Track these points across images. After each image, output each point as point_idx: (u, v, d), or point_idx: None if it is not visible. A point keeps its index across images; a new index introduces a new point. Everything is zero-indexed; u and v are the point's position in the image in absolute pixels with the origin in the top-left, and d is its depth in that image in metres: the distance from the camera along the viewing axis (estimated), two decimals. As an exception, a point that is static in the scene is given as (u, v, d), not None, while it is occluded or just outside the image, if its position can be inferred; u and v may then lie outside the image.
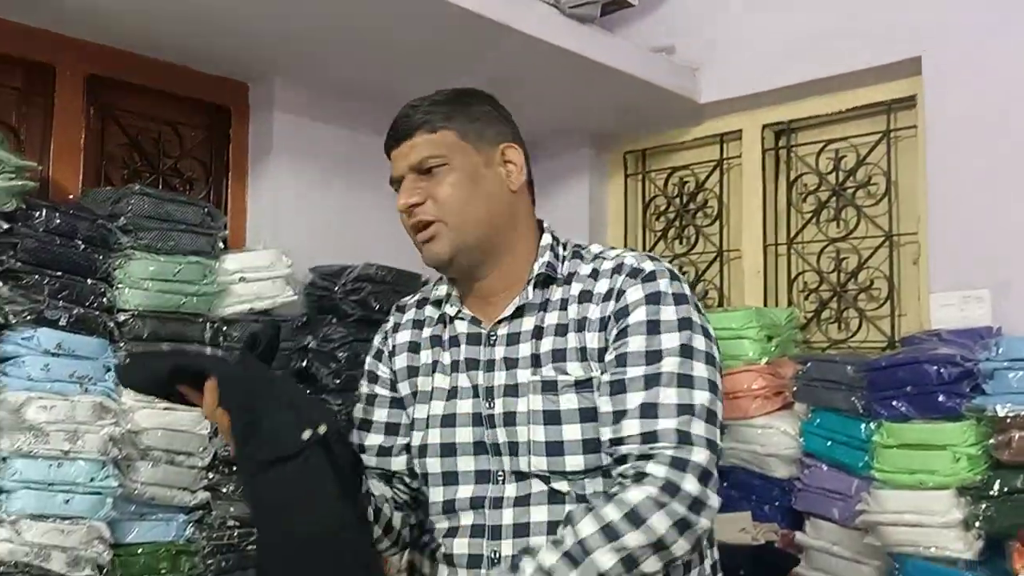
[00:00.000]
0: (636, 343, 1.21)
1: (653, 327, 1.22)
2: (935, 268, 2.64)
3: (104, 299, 2.12)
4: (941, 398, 2.17)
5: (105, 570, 2.03)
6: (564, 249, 1.36)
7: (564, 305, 1.30)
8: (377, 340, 1.47)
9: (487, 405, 1.29)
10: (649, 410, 1.18)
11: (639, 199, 3.59)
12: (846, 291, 3.03)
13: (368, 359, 1.47)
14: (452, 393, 1.33)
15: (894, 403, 2.26)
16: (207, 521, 2.24)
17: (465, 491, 1.29)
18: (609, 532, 1.12)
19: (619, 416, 1.19)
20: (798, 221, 3.17)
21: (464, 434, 1.30)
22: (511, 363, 1.30)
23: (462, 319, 1.36)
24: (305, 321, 2.51)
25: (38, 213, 2.03)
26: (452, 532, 1.29)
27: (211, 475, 2.25)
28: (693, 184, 3.44)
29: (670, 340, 1.21)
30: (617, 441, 1.19)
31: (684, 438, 1.16)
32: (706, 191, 3.40)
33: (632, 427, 1.18)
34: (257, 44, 2.56)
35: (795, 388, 2.60)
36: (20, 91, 2.42)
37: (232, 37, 2.51)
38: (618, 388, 1.20)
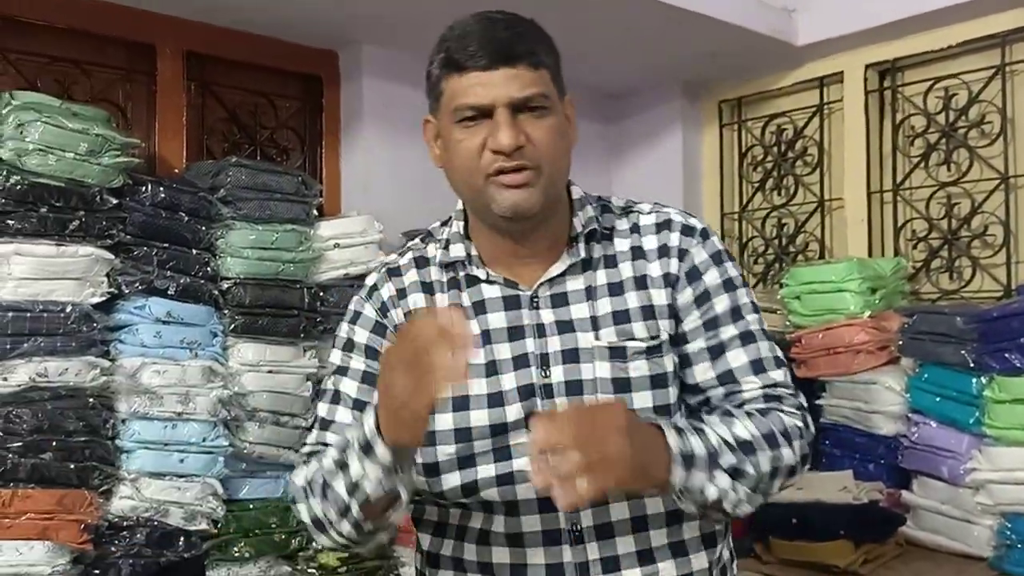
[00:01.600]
0: (721, 304, 1.20)
1: (729, 285, 1.21)
2: (1055, 211, 2.47)
3: (208, 268, 2.22)
4: (1058, 350, 2.05)
5: (220, 524, 2.16)
6: (592, 203, 1.26)
7: (613, 262, 1.22)
8: (371, 311, 1.24)
9: (542, 374, 1.17)
10: (758, 365, 1.19)
11: (735, 149, 3.48)
12: (958, 238, 2.88)
13: (355, 331, 1.24)
14: (491, 368, 1.17)
15: (1007, 355, 2.14)
16: (313, 478, 2.33)
17: (520, 464, 1.14)
18: (770, 439, 1.13)
19: (729, 376, 1.18)
20: (905, 166, 3.01)
21: (514, 411, 1.16)
22: (564, 326, 1.19)
23: (493, 282, 1.21)
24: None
25: (144, 188, 2.14)
26: (512, 509, 1.16)
27: (314, 434, 2.34)
28: (792, 131, 3.31)
29: (743, 296, 1.22)
30: (735, 396, 1.18)
31: (795, 388, 1.20)
32: (805, 138, 3.27)
33: (751, 383, 1.18)
34: (344, 11, 2.60)
35: (901, 342, 2.49)
36: (124, 70, 2.53)
37: (320, 6, 2.55)
38: (718, 351, 1.19)
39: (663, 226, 1.23)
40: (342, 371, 1.23)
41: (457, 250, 1.23)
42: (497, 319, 1.20)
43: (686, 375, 1.20)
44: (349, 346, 1.24)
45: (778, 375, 1.19)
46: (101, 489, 1.99)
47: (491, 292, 1.21)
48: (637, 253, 1.23)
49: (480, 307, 1.21)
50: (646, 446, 1.03)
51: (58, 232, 1.98)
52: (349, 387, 1.22)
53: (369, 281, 1.27)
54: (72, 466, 1.95)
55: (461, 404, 1.17)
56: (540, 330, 1.19)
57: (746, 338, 1.19)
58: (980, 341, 2.22)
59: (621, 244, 1.23)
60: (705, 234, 1.23)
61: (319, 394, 1.27)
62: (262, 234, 2.29)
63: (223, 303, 2.23)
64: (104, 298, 2.06)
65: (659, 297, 1.20)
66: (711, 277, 1.21)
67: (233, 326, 2.22)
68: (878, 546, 2.24)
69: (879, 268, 2.71)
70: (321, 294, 2.38)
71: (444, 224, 1.28)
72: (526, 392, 1.17)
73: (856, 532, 2.19)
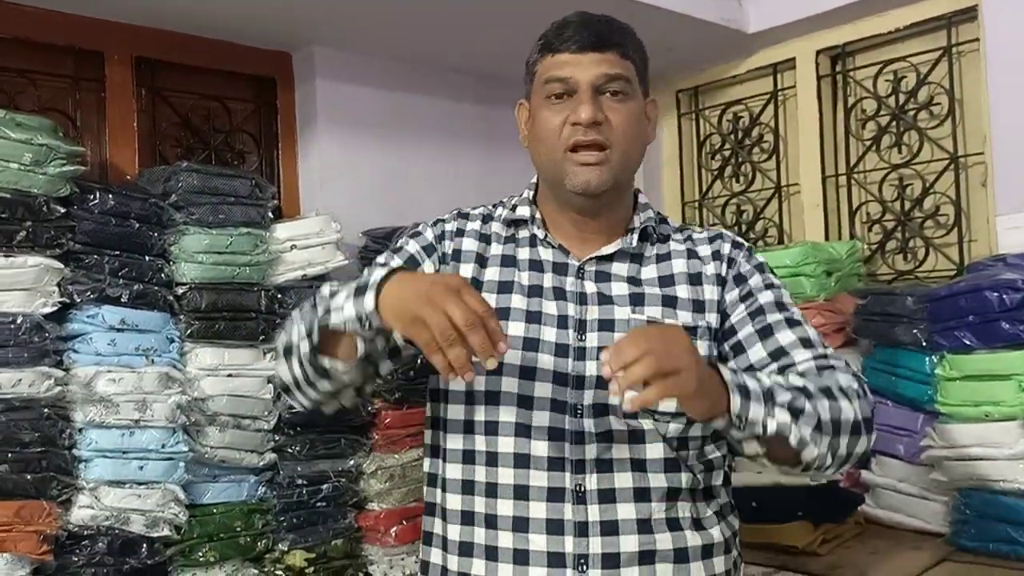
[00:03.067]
0: (765, 297, 1.31)
1: (771, 286, 1.33)
2: (1001, 189, 2.51)
3: (162, 274, 2.20)
4: (1005, 326, 2.08)
5: (183, 530, 2.15)
6: (653, 211, 1.39)
7: (666, 258, 1.34)
8: (430, 234, 1.36)
9: (577, 337, 1.26)
10: (807, 342, 1.27)
11: (693, 138, 3.51)
12: (911, 219, 2.92)
13: (410, 243, 1.36)
14: (534, 317, 1.28)
15: (956, 333, 2.18)
16: (277, 480, 2.33)
17: (541, 418, 1.24)
18: (826, 392, 1.18)
19: (781, 352, 1.26)
20: (858, 149, 3.05)
21: (545, 361, 1.25)
22: (605, 299, 1.29)
23: (549, 245, 1.33)
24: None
25: (92, 196, 2.12)
26: (523, 461, 1.24)
27: (277, 437, 2.34)
28: (748, 119, 3.34)
29: (785, 295, 1.33)
30: (789, 367, 1.24)
31: (843, 359, 1.28)
32: (761, 125, 3.30)
33: (803, 355, 1.25)
34: (296, 13, 2.59)
35: (856, 324, 2.53)
36: (72, 79, 2.51)
37: (271, 8, 2.54)
38: (766, 332, 1.27)
39: (715, 238, 1.37)
40: (380, 264, 1.35)
41: (523, 211, 1.36)
42: (548, 279, 1.31)
43: (739, 361, 1.28)
44: (397, 249, 1.38)
45: (828, 350, 1.27)
46: (60, 499, 1.98)
47: (545, 254, 1.33)
48: (691, 254, 1.35)
49: (535, 265, 1.33)
50: (706, 370, 1.11)
51: (5, 243, 1.96)
52: (395, 262, 1.34)
53: (441, 216, 1.41)
54: (29, 477, 1.93)
55: (512, 343, 1.23)
56: (582, 298, 1.30)
57: (792, 323, 1.28)
58: (931, 320, 2.26)
59: (676, 246, 1.36)
60: (750, 251, 1.38)
61: None
62: (216, 238, 2.28)
63: (178, 308, 2.22)
64: (55, 308, 2.04)
65: (710, 293, 1.31)
66: (755, 280, 1.33)
67: (190, 331, 2.21)
68: (836, 526, 2.28)
69: (834, 251, 2.74)
70: (279, 296, 2.38)
71: (513, 197, 1.41)
72: (560, 350, 1.27)
73: (814, 513, 2.22)
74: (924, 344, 2.29)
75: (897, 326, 2.37)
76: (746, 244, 1.38)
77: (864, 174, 3.03)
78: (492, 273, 1.33)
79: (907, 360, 2.35)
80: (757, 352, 1.27)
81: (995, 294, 2.09)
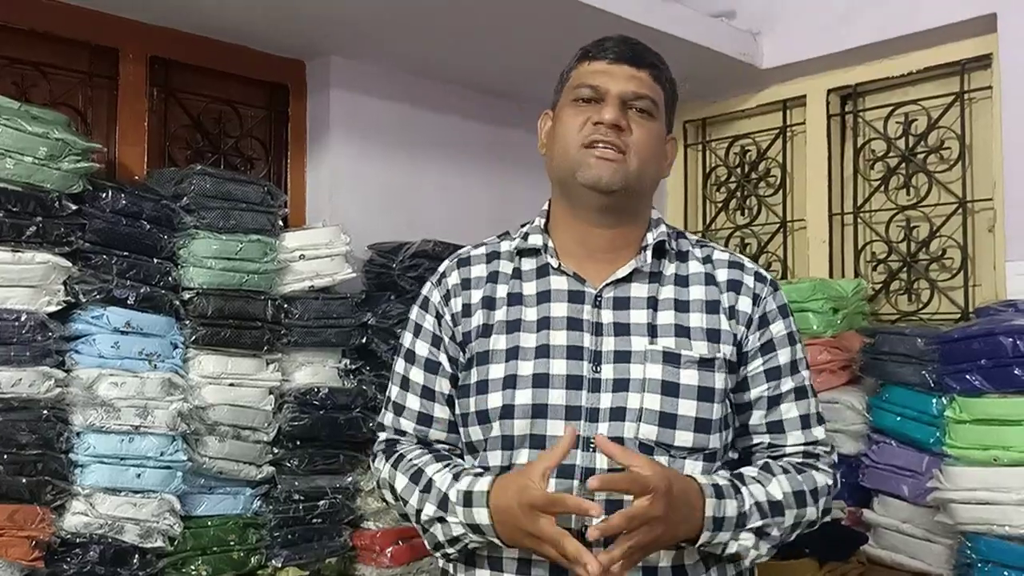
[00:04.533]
0: (783, 356, 1.32)
1: (791, 339, 1.34)
2: (1012, 235, 2.54)
3: (170, 278, 2.16)
4: (1017, 371, 2.08)
5: (176, 542, 2.09)
6: (668, 227, 1.37)
7: (684, 282, 1.32)
8: (436, 296, 1.36)
9: (592, 368, 1.24)
10: (805, 421, 1.32)
11: (699, 169, 3.52)
12: (917, 261, 2.93)
13: (425, 317, 1.37)
14: (542, 352, 1.26)
15: (967, 376, 2.18)
16: (273, 495, 2.28)
17: None
18: (800, 498, 1.26)
19: (779, 427, 1.31)
20: (865, 189, 3.07)
21: (557, 396, 1.23)
22: (621, 328, 1.26)
23: (563, 274, 1.31)
24: (364, 298, 2.53)
25: (104, 194, 2.08)
26: None
27: (276, 450, 2.29)
28: (755, 153, 3.36)
29: (799, 351, 1.34)
30: (778, 447, 1.32)
31: (831, 444, 1.35)
32: (768, 160, 3.32)
33: (795, 437, 1.31)
34: (313, 22, 2.57)
35: (862, 362, 2.53)
36: (85, 74, 2.47)
37: (288, 16, 2.52)
38: (774, 401, 1.31)
39: (735, 265, 1.35)
40: (410, 357, 1.37)
41: (535, 240, 1.34)
42: (559, 308, 1.29)
43: (743, 417, 1.31)
44: (416, 330, 1.37)
45: (819, 432, 1.33)
46: (54, 505, 1.92)
47: (558, 283, 1.31)
48: (709, 280, 1.32)
49: (544, 296, 1.30)
50: (683, 517, 1.16)
51: (14, 238, 1.91)
52: (416, 375, 1.35)
53: (441, 268, 1.40)
54: (24, 480, 1.87)
55: (508, 383, 1.26)
56: (598, 328, 1.28)
57: (800, 393, 1.32)
58: (941, 362, 2.26)
59: (695, 267, 1.34)
60: (775, 285, 1.36)
61: (390, 374, 1.41)
62: (226, 244, 2.24)
63: (184, 314, 2.17)
64: (60, 307, 1.99)
65: (726, 324, 1.30)
66: (777, 328, 1.32)
67: (194, 337, 2.16)
68: (840, 564, 2.27)
69: (841, 289, 2.75)
70: (285, 306, 2.34)
71: (524, 225, 1.39)
72: (573, 382, 1.25)
73: (820, 550, 2.21)
74: (932, 385, 2.29)
75: (905, 366, 2.38)
76: (769, 277, 1.36)
77: (871, 213, 3.05)
78: (500, 314, 1.31)
79: (914, 401, 2.35)
80: (759, 416, 1.31)
81: (1010, 339, 2.09)
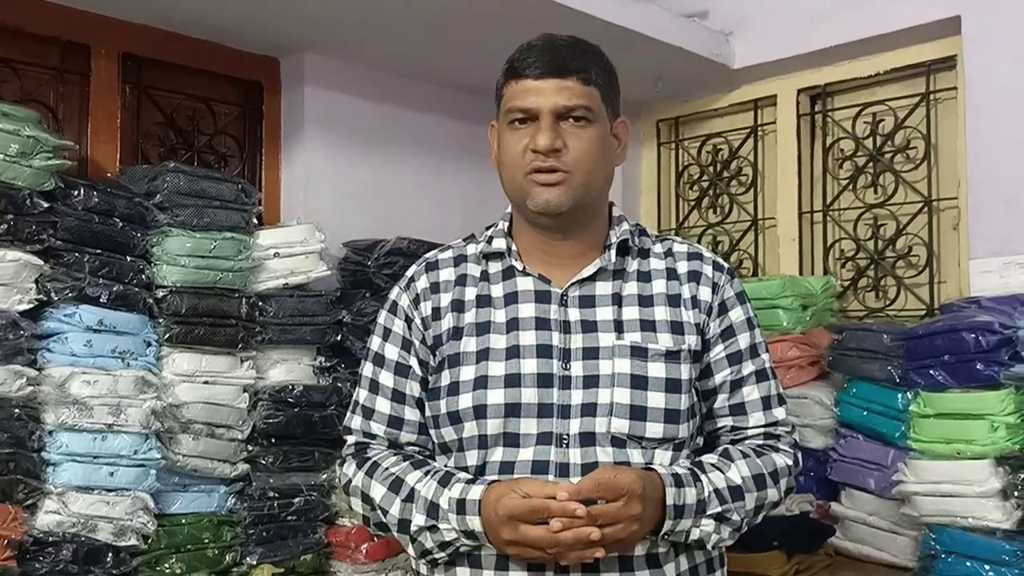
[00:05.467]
0: (743, 340, 1.36)
1: (749, 324, 1.37)
2: (975, 234, 2.59)
3: (143, 276, 2.15)
4: (979, 366, 2.14)
5: (150, 540, 2.09)
6: (629, 224, 1.39)
7: (646, 277, 1.34)
8: (405, 300, 1.38)
9: (562, 367, 1.27)
10: (766, 402, 1.36)
11: (672, 168, 3.55)
12: (884, 259, 2.99)
13: (393, 320, 1.38)
14: (512, 352, 1.28)
15: (931, 372, 2.23)
16: (248, 492, 2.28)
17: (526, 454, 1.25)
18: (759, 480, 1.29)
19: (740, 409, 1.35)
20: (834, 188, 3.12)
21: (529, 395, 1.26)
22: (589, 326, 1.29)
23: (528, 275, 1.33)
24: (339, 295, 2.54)
25: (76, 192, 2.07)
26: None
27: (251, 447, 2.29)
28: (727, 152, 3.39)
29: (758, 335, 1.38)
30: (741, 430, 1.35)
31: (791, 425, 1.39)
32: (740, 159, 3.36)
33: (757, 419, 1.35)
34: (287, 19, 2.56)
35: (830, 358, 2.58)
36: (56, 70, 2.45)
37: (262, 12, 2.51)
38: (736, 385, 1.34)
39: (694, 256, 1.38)
40: (379, 361, 1.38)
41: (499, 244, 1.36)
42: (526, 309, 1.32)
43: (707, 402, 1.35)
44: (386, 334, 1.38)
45: (780, 413, 1.37)
46: (26, 503, 1.91)
47: (524, 284, 1.34)
48: (671, 274, 1.36)
49: (511, 298, 1.33)
50: (649, 515, 1.19)
51: (-15, 236, 1.91)
52: (387, 379, 1.36)
53: (409, 272, 1.42)
54: (-5, 479, 1.87)
55: (480, 384, 1.28)
56: (565, 327, 1.30)
57: (760, 375, 1.36)
58: (906, 358, 2.31)
59: (656, 263, 1.36)
60: (732, 273, 1.40)
61: (358, 378, 1.41)
62: (199, 242, 2.23)
63: (158, 312, 2.16)
64: (32, 305, 1.98)
65: (688, 316, 1.33)
66: (736, 314, 1.36)
67: (168, 335, 2.15)
68: (808, 556, 2.31)
69: (810, 286, 2.80)
70: (260, 304, 2.33)
71: (488, 228, 1.41)
72: (544, 380, 1.27)
73: (788, 543, 2.25)
74: (898, 381, 2.34)
75: (872, 362, 2.42)
76: (726, 266, 1.40)
77: (839, 212, 3.10)
78: (470, 317, 1.33)
79: (880, 396, 2.40)
80: (722, 400, 1.35)
81: (972, 335, 2.15)
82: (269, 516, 2.29)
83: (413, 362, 1.36)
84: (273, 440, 2.31)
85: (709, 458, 1.30)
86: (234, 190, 2.33)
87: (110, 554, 2.02)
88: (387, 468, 1.31)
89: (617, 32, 2.71)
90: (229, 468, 2.25)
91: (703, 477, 1.25)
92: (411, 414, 1.36)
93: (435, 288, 1.37)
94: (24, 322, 1.95)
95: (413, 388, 1.36)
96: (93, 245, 2.08)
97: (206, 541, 2.20)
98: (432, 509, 1.24)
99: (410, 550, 1.29)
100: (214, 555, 2.21)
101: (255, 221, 2.39)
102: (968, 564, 2.12)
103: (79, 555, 1.97)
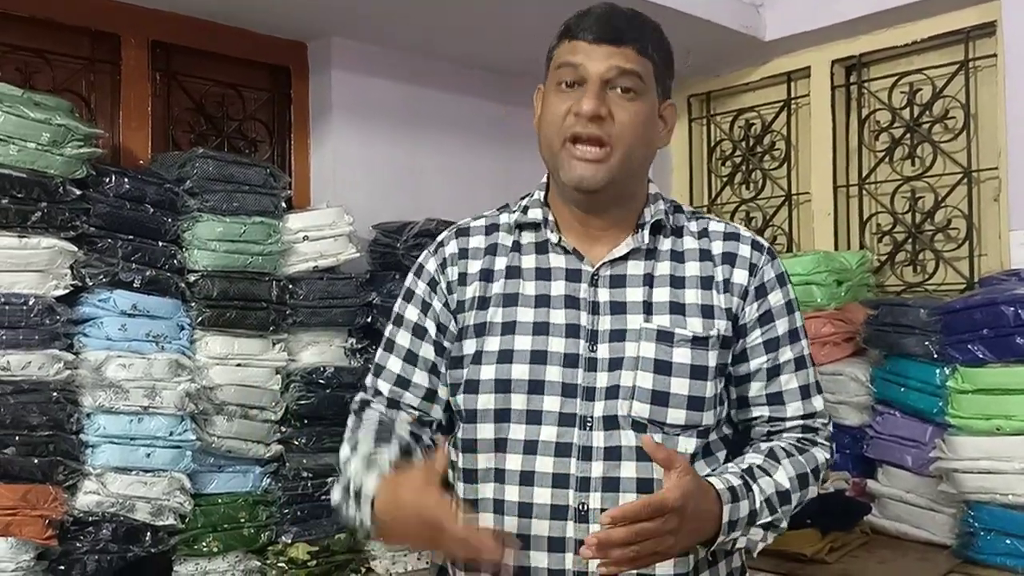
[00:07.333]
0: (782, 326, 1.30)
1: (789, 308, 1.32)
2: (1016, 204, 2.52)
3: (175, 260, 2.18)
4: (1019, 340, 2.08)
5: (187, 519, 2.13)
6: (665, 202, 1.35)
7: (679, 258, 1.30)
8: (432, 264, 1.35)
9: (589, 347, 1.24)
10: (804, 391, 1.31)
11: (704, 144, 3.51)
12: (922, 232, 2.92)
13: (417, 283, 1.35)
14: (541, 328, 1.25)
15: (970, 347, 2.18)
16: (282, 472, 2.32)
17: (549, 433, 1.22)
18: (803, 480, 1.26)
19: (778, 398, 1.30)
20: (870, 160, 3.06)
21: (554, 372, 1.23)
22: (618, 307, 1.26)
23: (562, 251, 1.30)
24: (369, 277, 2.55)
25: (108, 179, 2.10)
26: (528, 479, 1.22)
27: (284, 428, 2.32)
28: (760, 126, 3.34)
29: (798, 319, 1.33)
30: (778, 420, 1.31)
31: (828, 415, 1.35)
32: (773, 133, 3.30)
33: (795, 408, 1.31)
34: (313, 4, 2.57)
35: (866, 334, 2.53)
36: (87, 60, 2.49)
37: (288, -3, 2.52)
38: (774, 372, 1.30)
39: (731, 236, 1.32)
40: (398, 321, 1.36)
41: (535, 214, 1.32)
42: (557, 287, 1.28)
43: (741, 389, 1.31)
44: (408, 296, 1.36)
45: (818, 403, 1.33)
46: (66, 484, 1.96)
47: (557, 261, 1.30)
48: (705, 255, 1.31)
49: (543, 273, 1.30)
50: (698, 528, 1.15)
51: (20, 224, 1.95)
52: (403, 338, 1.34)
53: (440, 237, 1.38)
54: (36, 461, 1.91)
55: (504, 357, 1.26)
56: (595, 307, 1.27)
57: (799, 363, 1.31)
58: (944, 332, 2.26)
59: (690, 243, 1.32)
60: (772, 253, 1.34)
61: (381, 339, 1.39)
62: (230, 226, 2.26)
63: (190, 296, 2.20)
64: (67, 291, 2.02)
65: (719, 300, 1.28)
66: (775, 298, 1.31)
67: (200, 319, 2.19)
68: (844, 534, 2.28)
69: (845, 261, 2.75)
70: (290, 287, 2.36)
71: (524, 197, 1.37)
72: (570, 360, 1.25)
73: (823, 521, 2.22)
74: (935, 356, 2.29)
75: (909, 337, 2.38)
76: (767, 245, 1.34)
77: (876, 185, 3.03)
78: (498, 287, 1.30)
79: (917, 371, 2.35)
80: (758, 388, 1.30)
81: (1011, 309, 2.09)
82: (303, 496, 2.32)
83: (430, 325, 1.33)
84: (306, 421, 2.34)
85: (755, 458, 1.25)
86: (263, 175, 2.35)
87: (148, 533, 2.06)
88: (358, 429, 1.30)
89: (646, 6, 2.65)
90: (263, 449, 2.28)
91: (755, 487, 1.21)
92: (420, 377, 1.33)
93: (463, 254, 1.34)
94: (60, 307, 1.99)
95: (427, 351, 1.33)
96: (125, 231, 2.11)
97: (242, 520, 2.24)
98: (347, 486, 1.22)
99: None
100: (249, 534, 2.25)
101: (284, 205, 2.41)
102: (1008, 542, 2.08)
103: (118, 534, 2.02)
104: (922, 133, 2.91)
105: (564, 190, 1.28)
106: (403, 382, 1.34)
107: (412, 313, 1.35)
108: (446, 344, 1.33)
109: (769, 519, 1.21)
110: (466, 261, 1.33)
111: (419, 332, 1.33)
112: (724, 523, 1.16)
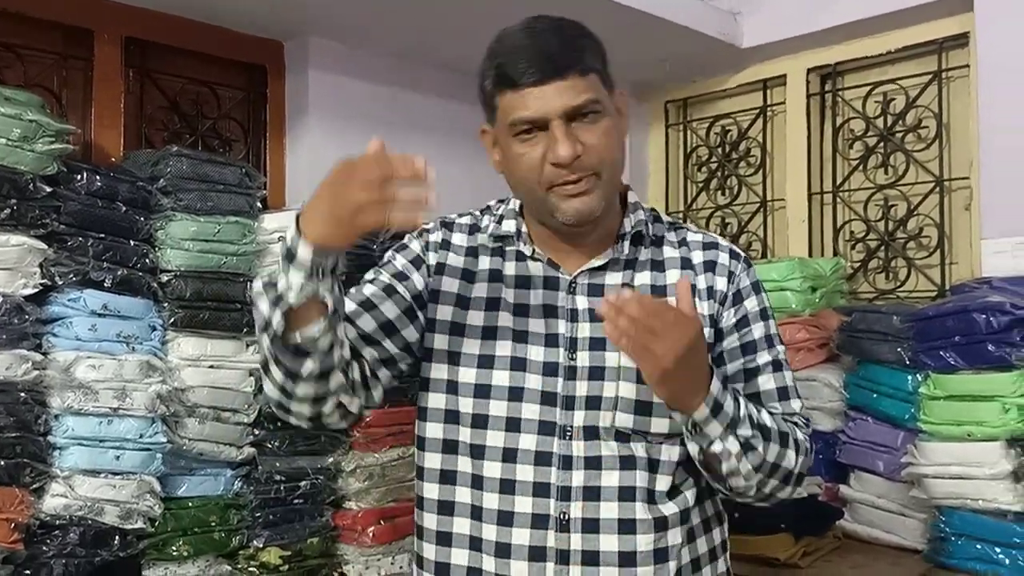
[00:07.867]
0: (758, 331, 1.31)
1: (764, 315, 1.32)
2: (987, 214, 2.55)
3: (147, 260, 2.14)
4: (990, 347, 2.11)
5: (157, 523, 2.09)
6: (644, 211, 1.34)
7: (660, 267, 1.30)
8: (416, 245, 1.33)
9: (568, 356, 1.24)
10: (783, 393, 1.31)
11: (680, 149, 3.53)
12: (894, 239, 2.95)
13: (397, 257, 1.32)
14: (521, 336, 1.25)
15: (942, 353, 2.21)
16: (254, 476, 2.28)
17: (528, 441, 1.22)
18: (783, 437, 1.23)
19: (756, 398, 1.28)
20: (844, 168, 3.09)
21: (533, 381, 1.23)
22: (597, 315, 1.23)
23: (537, 260, 1.29)
24: (345, 279, 2.52)
25: (79, 176, 2.06)
26: (508, 487, 1.22)
27: (256, 431, 2.29)
28: (736, 133, 3.36)
29: (773, 326, 1.34)
30: None
31: (808, 417, 1.34)
32: (749, 139, 3.33)
33: (774, 408, 1.29)
34: (290, 3, 2.55)
35: (840, 340, 2.55)
36: (59, 55, 2.45)
37: (265, -5, 2.50)
38: (752, 374, 1.29)
39: (710, 245, 1.33)
40: (369, 280, 1.32)
41: (509, 225, 1.32)
42: (536, 295, 1.28)
43: None
44: (384, 264, 1.34)
45: (796, 405, 1.32)
46: (33, 487, 1.91)
47: (535, 269, 1.30)
48: (685, 264, 1.31)
49: (521, 281, 1.29)
50: (694, 369, 1.13)
51: (-12, 221, 1.91)
52: (367, 289, 1.30)
53: (425, 225, 1.36)
54: (2, 463, 1.86)
55: (485, 362, 1.25)
56: (573, 315, 1.27)
57: (776, 366, 1.31)
58: (916, 339, 2.28)
59: (670, 252, 1.32)
60: (748, 262, 1.36)
61: None
62: (203, 226, 2.22)
63: (162, 296, 2.16)
64: (36, 289, 1.97)
65: (703, 307, 1.28)
66: (751, 304, 1.31)
67: (173, 320, 2.15)
68: (817, 539, 2.29)
69: (819, 268, 2.77)
70: (264, 288, 2.33)
71: (501, 201, 1.36)
72: (550, 369, 1.24)
73: (796, 526, 2.23)
74: (908, 363, 2.32)
75: (881, 344, 2.40)
76: (743, 254, 1.36)
77: (849, 193, 3.06)
78: (480, 289, 1.30)
79: (890, 378, 2.38)
80: (737, 389, 1.29)
81: (983, 316, 2.12)
82: (275, 499, 2.29)
83: (402, 290, 1.29)
84: (279, 424, 2.31)
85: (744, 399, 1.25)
86: (237, 174, 2.32)
87: (117, 537, 2.02)
88: None
89: (624, 13, 2.68)
90: (235, 452, 2.25)
91: (741, 400, 1.20)
92: (365, 322, 1.26)
93: (446, 245, 1.33)
94: (29, 307, 1.95)
95: (388, 308, 1.27)
96: (97, 229, 2.07)
97: (213, 524, 2.20)
98: (269, 281, 1.18)
99: (265, 339, 1.18)
100: (220, 538, 2.21)
101: (259, 205, 2.38)
102: (978, 547, 2.11)
103: (86, 538, 1.97)
104: (895, 142, 2.95)
105: (557, 227, 1.26)
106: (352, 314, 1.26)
107: (384, 276, 1.30)
108: (419, 315, 1.29)
109: (748, 434, 1.17)
110: (447, 253, 1.32)
111: (388, 289, 1.29)
112: (711, 394, 1.14)
